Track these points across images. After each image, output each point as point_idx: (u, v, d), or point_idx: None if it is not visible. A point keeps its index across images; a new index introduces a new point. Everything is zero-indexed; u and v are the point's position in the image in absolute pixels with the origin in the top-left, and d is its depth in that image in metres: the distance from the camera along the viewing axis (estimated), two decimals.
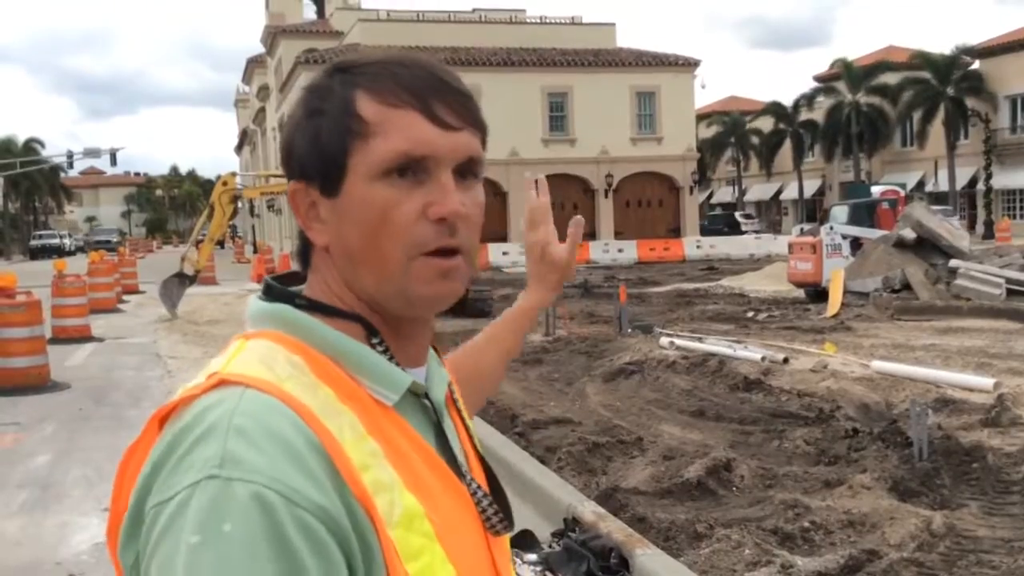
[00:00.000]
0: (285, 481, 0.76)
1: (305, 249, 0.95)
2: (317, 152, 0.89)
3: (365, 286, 0.90)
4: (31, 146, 69.90)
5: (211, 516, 0.74)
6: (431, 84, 0.89)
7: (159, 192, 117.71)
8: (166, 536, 0.76)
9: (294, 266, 0.99)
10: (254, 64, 65.26)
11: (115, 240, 68.02)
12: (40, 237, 65.32)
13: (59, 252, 57.13)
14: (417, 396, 0.93)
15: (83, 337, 14.69)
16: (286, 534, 0.74)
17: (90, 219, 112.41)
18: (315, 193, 0.91)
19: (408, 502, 0.84)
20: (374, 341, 0.91)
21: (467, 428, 1.02)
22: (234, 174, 20.45)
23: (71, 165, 59.65)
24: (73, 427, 8.57)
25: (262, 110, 62.32)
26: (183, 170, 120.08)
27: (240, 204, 26.70)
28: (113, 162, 54.23)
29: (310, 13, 57.39)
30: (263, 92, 60.03)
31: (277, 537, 0.74)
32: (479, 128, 0.92)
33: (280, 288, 0.94)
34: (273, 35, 51.89)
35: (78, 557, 5.24)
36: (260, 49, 59.45)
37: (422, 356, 0.97)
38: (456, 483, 0.92)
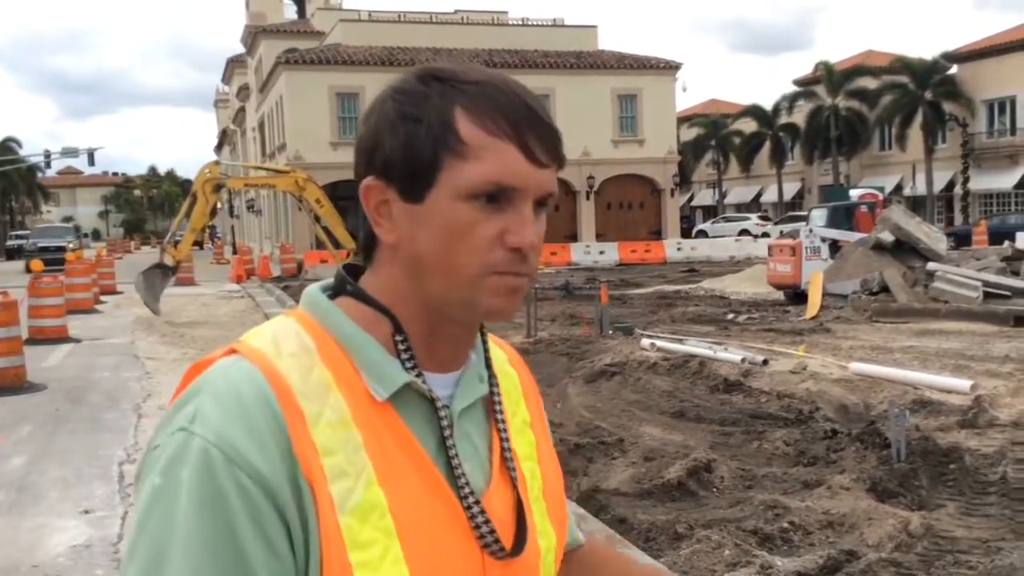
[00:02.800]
0: (232, 443, 0.84)
1: (370, 243, 0.98)
2: (408, 158, 0.92)
3: (431, 289, 0.93)
4: (8, 145, 69.27)
5: (173, 463, 0.85)
6: (529, 118, 0.92)
7: (137, 192, 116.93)
8: (146, 476, 0.87)
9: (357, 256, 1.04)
10: (234, 64, 64.93)
11: (72, 245, 42.17)
12: (16, 237, 64.64)
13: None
14: (426, 398, 0.95)
15: (60, 338, 14.56)
16: (223, 489, 0.83)
17: (67, 219, 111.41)
18: (392, 193, 0.93)
19: (371, 495, 0.88)
20: (397, 339, 0.94)
21: (503, 443, 1.01)
22: (217, 163, 20.23)
23: (48, 164, 59.18)
24: (50, 428, 8.49)
25: (242, 110, 62.01)
26: (162, 170, 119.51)
27: (220, 204, 26.52)
28: (91, 162, 53.79)
29: (291, 13, 57.18)
30: (243, 92, 59.74)
31: (215, 490, 0.83)
32: (561, 164, 0.96)
33: (342, 274, 0.99)
34: (253, 35, 51.64)
35: (55, 560, 5.19)
36: (241, 49, 59.16)
37: (456, 361, 0.99)
38: (445, 492, 0.92)
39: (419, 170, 0.91)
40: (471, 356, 1.02)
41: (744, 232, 46.98)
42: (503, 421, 1.02)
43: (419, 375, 0.94)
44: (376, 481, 0.88)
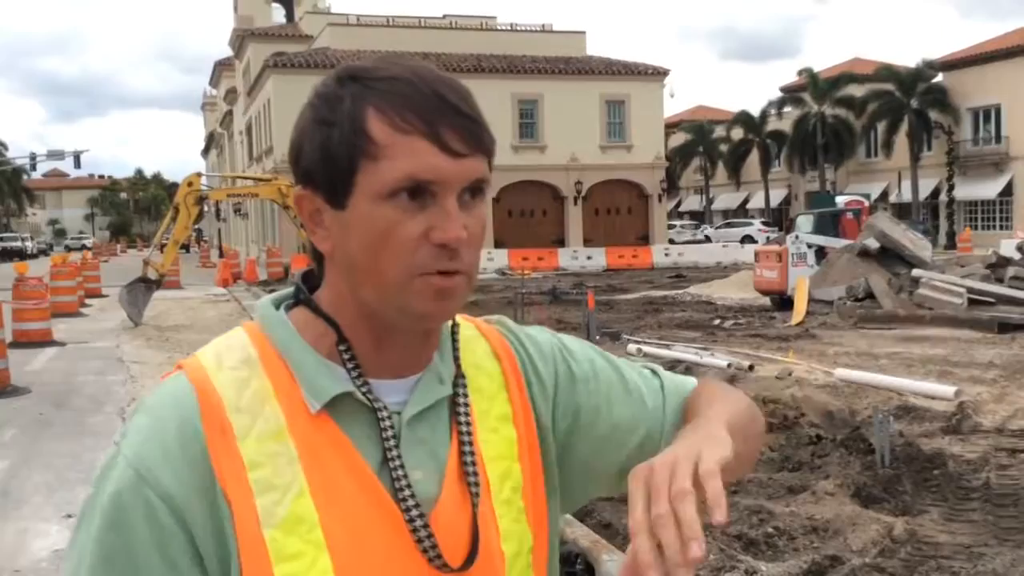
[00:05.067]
0: (145, 461, 0.87)
1: (317, 252, 0.96)
2: (325, 164, 0.90)
3: (365, 296, 0.92)
4: None
5: (101, 477, 0.89)
6: (440, 109, 0.89)
7: (123, 195, 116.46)
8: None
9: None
10: (222, 67, 64.78)
11: None
12: (1, 240, 64.23)
13: (20, 255, 56.28)
14: (370, 407, 0.92)
15: (44, 341, 14.49)
16: (129, 507, 0.86)
17: (53, 222, 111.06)
18: (320, 201, 0.92)
19: (299, 507, 0.87)
20: (340, 348, 0.93)
21: (463, 447, 0.97)
22: (199, 175, 20.15)
23: (34, 167, 58.99)
24: (33, 433, 8.45)
25: (229, 113, 61.85)
26: (148, 173, 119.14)
27: (207, 208, 26.44)
28: (77, 164, 53.57)
29: (279, 17, 57.08)
30: (231, 95, 59.59)
31: (122, 508, 0.86)
32: (486, 151, 0.92)
33: (297, 283, 0.99)
34: (241, 38, 51.53)
35: (37, 564, 5.17)
36: (229, 52, 59.01)
37: (411, 366, 0.97)
38: (386, 503, 0.90)
39: (336, 176, 0.90)
40: (433, 357, 0.99)
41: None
42: (467, 423, 0.98)
43: (364, 384, 0.92)
44: (307, 493, 0.88)
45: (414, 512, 0.90)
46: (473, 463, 0.97)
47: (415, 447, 0.94)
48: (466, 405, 0.99)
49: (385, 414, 0.92)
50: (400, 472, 0.91)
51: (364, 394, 0.92)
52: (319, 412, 0.91)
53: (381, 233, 0.88)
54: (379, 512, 0.90)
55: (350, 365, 0.93)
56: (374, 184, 0.88)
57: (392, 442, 0.92)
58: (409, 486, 0.91)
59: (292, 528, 0.87)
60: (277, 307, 0.98)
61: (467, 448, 0.97)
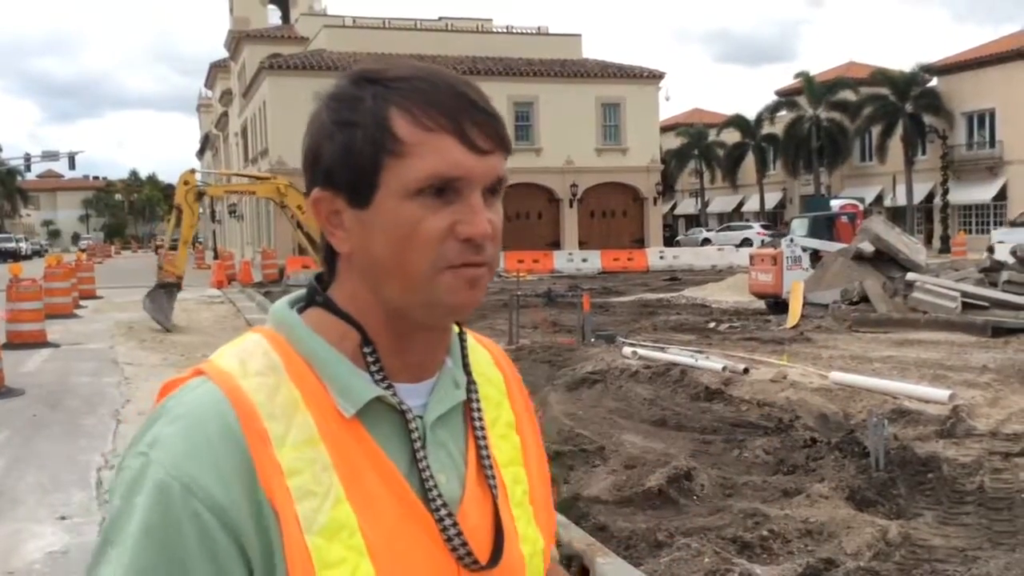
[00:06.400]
0: (190, 472, 0.84)
1: (330, 255, 0.97)
2: (348, 164, 0.91)
3: (390, 295, 0.92)
4: None
5: (131, 488, 0.85)
6: (464, 107, 0.90)
7: (118, 196, 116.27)
8: (111, 495, 0.89)
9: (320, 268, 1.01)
10: (217, 69, 64.70)
11: None
12: None
13: (14, 256, 56.17)
14: (397, 411, 0.93)
15: (38, 342, 14.45)
16: (178, 520, 0.83)
17: (47, 223, 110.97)
18: (340, 202, 0.92)
19: (339, 513, 0.87)
20: (365, 350, 0.93)
21: (480, 450, 0.99)
22: (193, 171, 20.08)
23: (28, 168, 58.90)
24: (27, 434, 8.43)
25: (224, 115, 61.79)
26: (143, 174, 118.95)
27: (202, 208, 26.39)
28: (71, 166, 53.61)
29: (275, 18, 57.06)
30: (226, 97, 59.54)
31: (169, 520, 0.83)
32: (506, 149, 0.94)
33: (313, 284, 0.98)
34: (237, 40, 51.50)
35: (31, 566, 5.15)
36: (225, 54, 58.95)
37: (429, 369, 0.98)
38: (417, 507, 0.91)
39: (361, 175, 0.90)
40: (446, 361, 1.00)
41: None
42: (481, 427, 1.00)
43: (389, 387, 0.93)
44: (345, 499, 0.88)
45: (443, 512, 0.92)
46: (491, 465, 0.99)
47: (438, 449, 0.95)
48: (480, 409, 1.01)
49: (411, 416, 0.93)
50: (428, 473, 0.92)
51: (392, 397, 0.92)
52: (351, 417, 0.91)
53: (407, 230, 0.89)
54: (411, 515, 0.91)
55: (375, 367, 0.93)
56: (400, 182, 0.89)
57: (419, 443, 0.93)
58: (436, 486, 0.92)
59: (334, 534, 0.86)
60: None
61: (484, 451, 0.99)
